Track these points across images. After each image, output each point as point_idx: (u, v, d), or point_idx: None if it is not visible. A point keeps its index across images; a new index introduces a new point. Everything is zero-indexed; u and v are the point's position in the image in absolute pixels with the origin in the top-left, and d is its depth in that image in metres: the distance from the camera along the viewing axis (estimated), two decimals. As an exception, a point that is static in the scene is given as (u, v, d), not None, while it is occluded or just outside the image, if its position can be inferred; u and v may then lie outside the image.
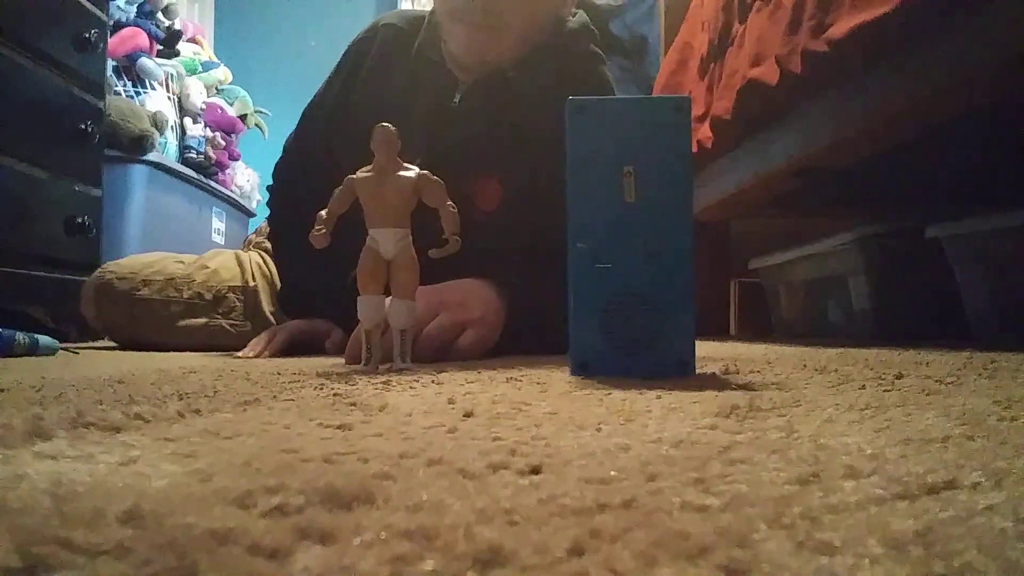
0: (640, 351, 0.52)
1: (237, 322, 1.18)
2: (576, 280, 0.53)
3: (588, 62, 0.96)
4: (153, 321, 1.13)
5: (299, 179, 1.04)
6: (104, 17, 1.64)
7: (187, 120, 2.46)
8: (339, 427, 0.29)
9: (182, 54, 2.54)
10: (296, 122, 1.10)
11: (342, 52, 1.06)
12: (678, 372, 0.52)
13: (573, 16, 0.97)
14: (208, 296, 1.17)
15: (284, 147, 1.11)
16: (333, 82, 1.04)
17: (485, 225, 0.92)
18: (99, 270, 1.17)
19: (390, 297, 0.62)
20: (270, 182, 1.12)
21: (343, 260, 0.80)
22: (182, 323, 1.15)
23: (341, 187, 0.62)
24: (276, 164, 1.11)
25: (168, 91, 2.37)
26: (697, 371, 0.54)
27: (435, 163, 0.92)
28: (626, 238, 0.52)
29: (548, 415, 0.33)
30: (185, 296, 1.15)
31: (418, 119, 0.93)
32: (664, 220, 0.52)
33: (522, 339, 0.79)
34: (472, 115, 0.93)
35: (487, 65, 0.91)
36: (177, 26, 2.52)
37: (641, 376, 0.50)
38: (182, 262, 1.20)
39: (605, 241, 0.52)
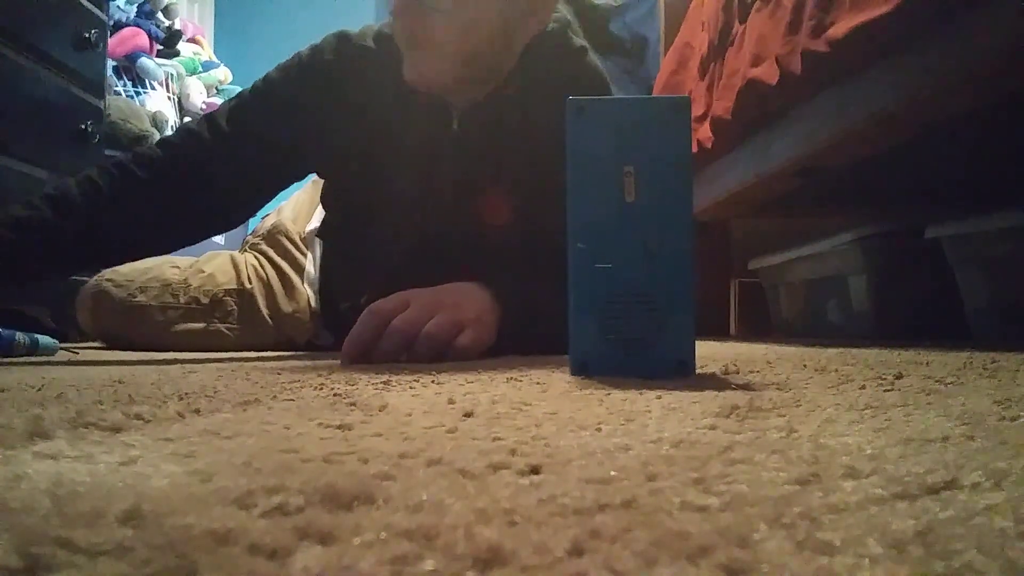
0: (640, 351, 0.52)
1: (234, 325, 1.18)
2: (576, 280, 0.53)
3: (573, 59, 0.94)
4: (150, 327, 1.13)
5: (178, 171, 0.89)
6: (104, 17, 1.64)
7: (187, 120, 2.46)
8: (339, 427, 0.29)
9: (182, 54, 2.54)
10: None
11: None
12: (678, 372, 0.52)
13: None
14: (205, 300, 1.17)
15: (187, 128, 0.94)
16: (289, 98, 0.92)
17: (491, 237, 0.92)
18: (95, 278, 1.17)
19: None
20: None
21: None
22: (180, 327, 1.15)
23: None
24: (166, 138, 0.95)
25: (168, 91, 2.37)
26: (697, 371, 0.54)
27: (441, 192, 0.91)
28: (626, 238, 0.52)
29: (548, 415, 0.33)
30: (182, 301, 1.15)
31: (414, 148, 0.90)
32: (664, 220, 0.52)
33: (519, 340, 0.79)
34: (473, 138, 0.90)
35: (440, 89, 0.87)
36: (177, 26, 2.52)
37: (641, 376, 0.50)
38: (177, 267, 1.20)
39: (605, 241, 0.52)
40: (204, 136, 0.90)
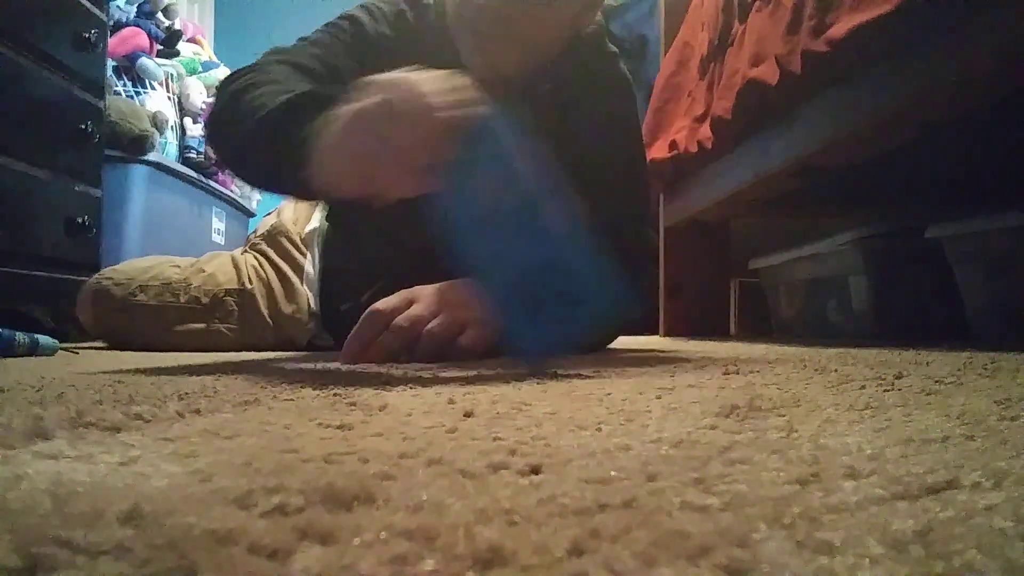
0: (573, 323, 0.53)
1: (234, 325, 1.18)
2: (486, 275, 0.54)
3: (608, 63, 0.96)
4: (150, 326, 1.14)
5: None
6: (104, 17, 1.64)
7: (187, 120, 2.46)
8: (339, 427, 0.29)
9: (182, 54, 2.54)
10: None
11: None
12: (630, 328, 0.52)
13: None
14: (205, 300, 1.17)
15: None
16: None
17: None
18: (95, 276, 1.17)
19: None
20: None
21: None
22: (180, 327, 1.15)
23: None
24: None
25: (168, 91, 2.37)
26: (697, 371, 0.54)
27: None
28: (519, 226, 0.53)
29: (548, 415, 0.33)
30: (182, 300, 1.15)
31: None
32: (545, 201, 0.53)
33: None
34: None
35: (499, 77, 0.86)
36: (177, 26, 2.52)
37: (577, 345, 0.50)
38: (178, 266, 1.20)
39: (502, 232, 0.53)
40: None
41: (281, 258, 1.26)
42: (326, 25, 0.91)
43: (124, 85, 2.23)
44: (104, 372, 0.60)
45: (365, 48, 0.88)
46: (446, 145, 0.51)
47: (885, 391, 0.41)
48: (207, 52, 2.81)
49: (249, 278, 1.21)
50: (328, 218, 1.15)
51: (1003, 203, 1.03)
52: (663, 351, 1.00)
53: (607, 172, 0.92)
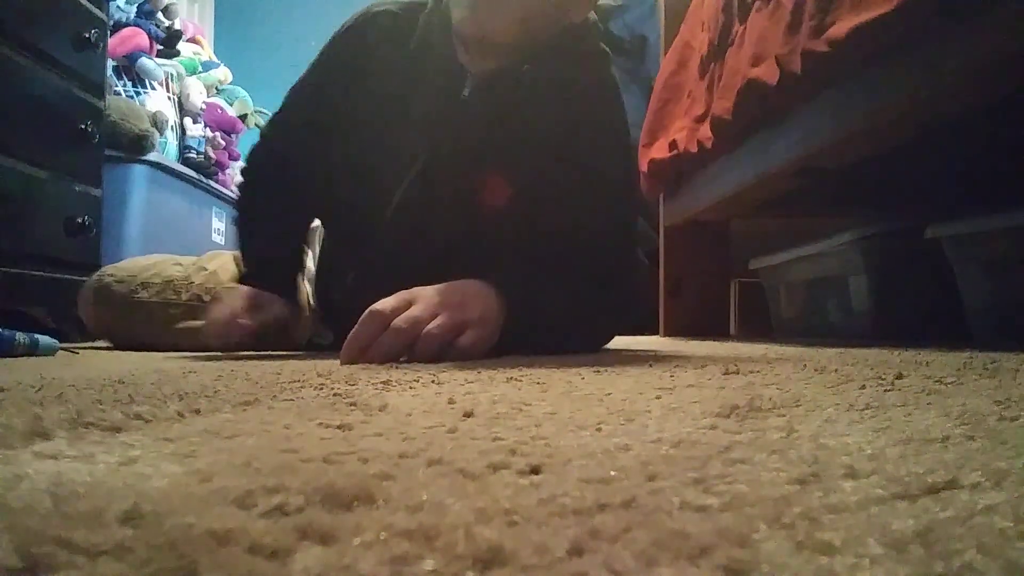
0: None
1: None
2: None
3: (596, 61, 0.96)
4: (152, 324, 1.14)
5: (274, 173, 1.05)
6: (104, 17, 1.64)
7: (187, 120, 2.46)
8: (339, 427, 0.29)
9: (182, 54, 2.54)
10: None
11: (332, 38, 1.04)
12: None
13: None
14: (207, 298, 1.17)
15: (261, 133, 1.12)
16: (322, 75, 1.02)
17: (488, 223, 0.92)
18: (97, 273, 1.17)
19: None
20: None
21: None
22: (180, 325, 1.15)
23: None
24: (252, 150, 1.11)
25: (168, 91, 2.37)
26: (697, 371, 0.54)
27: (441, 158, 0.92)
28: None
29: (548, 415, 0.33)
30: (184, 298, 1.15)
31: (422, 112, 0.92)
32: None
33: (522, 339, 0.79)
34: (481, 109, 0.91)
35: (488, 44, 0.88)
36: (177, 26, 2.52)
37: None
38: (180, 264, 1.20)
39: None
40: (267, 134, 1.07)
41: None
42: (308, 68, 1.05)
43: (124, 85, 2.23)
44: (104, 372, 0.60)
45: (335, 70, 1.01)
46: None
47: (885, 391, 0.41)
48: (207, 52, 2.81)
49: None
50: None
51: (1003, 203, 1.03)
52: (663, 351, 1.00)
53: (590, 171, 0.92)
